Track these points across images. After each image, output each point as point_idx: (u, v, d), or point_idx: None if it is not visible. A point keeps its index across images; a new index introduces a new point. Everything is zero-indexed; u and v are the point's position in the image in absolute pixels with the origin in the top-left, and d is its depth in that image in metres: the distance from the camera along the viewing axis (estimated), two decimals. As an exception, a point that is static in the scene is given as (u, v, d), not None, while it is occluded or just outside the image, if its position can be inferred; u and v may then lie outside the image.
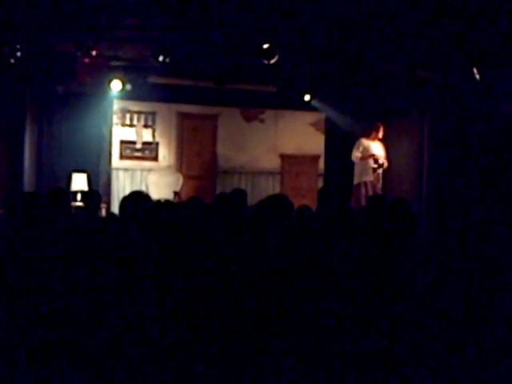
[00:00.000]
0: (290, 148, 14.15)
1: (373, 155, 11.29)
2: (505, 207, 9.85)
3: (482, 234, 5.21)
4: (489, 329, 3.52)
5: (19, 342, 3.30)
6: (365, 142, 11.47)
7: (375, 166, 11.31)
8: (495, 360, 3.38)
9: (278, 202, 4.09)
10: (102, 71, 11.04)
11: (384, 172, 11.94)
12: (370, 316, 3.51)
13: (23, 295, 3.57)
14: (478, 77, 9.46)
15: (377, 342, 3.35)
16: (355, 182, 11.46)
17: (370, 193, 11.14)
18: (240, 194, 6.26)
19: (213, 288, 3.50)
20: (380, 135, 11.51)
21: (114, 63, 11.05)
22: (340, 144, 12.42)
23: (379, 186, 11.39)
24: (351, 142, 12.26)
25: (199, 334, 3.24)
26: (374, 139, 11.47)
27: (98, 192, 7.47)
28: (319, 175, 14.15)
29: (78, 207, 10.25)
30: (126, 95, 12.16)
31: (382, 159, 11.39)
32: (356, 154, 11.37)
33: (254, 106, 13.75)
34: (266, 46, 9.05)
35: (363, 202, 10.81)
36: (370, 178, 11.33)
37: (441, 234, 5.08)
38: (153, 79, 12.04)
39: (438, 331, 3.49)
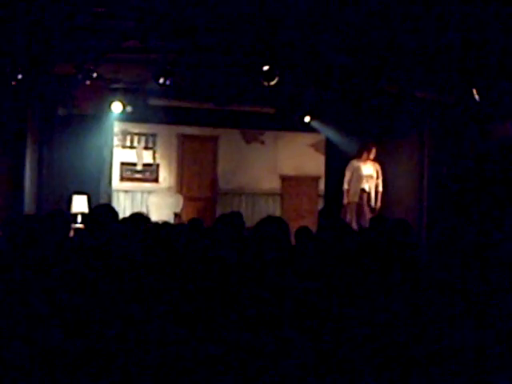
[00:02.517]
0: (290, 169, 14.18)
1: (362, 189, 11.42)
2: (505, 227, 9.84)
3: (483, 255, 5.21)
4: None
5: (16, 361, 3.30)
6: (355, 163, 11.60)
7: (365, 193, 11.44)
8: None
9: (271, 224, 4.08)
10: (102, 93, 11.09)
11: (384, 192, 12.02)
12: (370, 336, 3.50)
13: (22, 317, 3.56)
14: (477, 98, 9.49)
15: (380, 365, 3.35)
16: (344, 202, 11.60)
17: (355, 215, 11.25)
18: (237, 216, 6.26)
19: (211, 308, 3.50)
20: (371, 156, 11.56)
21: (114, 85, 11.11)
22: (340, 165, 12.41)
23: (369, 207, 11.44)
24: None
25: (196, 356, 3.24)
26: (365, 160, 11.54)
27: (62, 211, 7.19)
28: (319, 196, 14.16)
29: (78, 229, 10.24)
30: (126, 117, 12.19)
31: (369, 186, 11.47)
32: (344, 186, 11.53)
33: (254, 127, 13.79)
34: (265, 67, 9.09)
35: (349, 222, 10.96)
36: (356, 199, 11.44)
37: (441, 255, 5.08)
38: (153, 101, 12.08)
39: (444, 349, 3.48)
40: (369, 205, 11.41)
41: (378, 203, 11.52)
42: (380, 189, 11.52)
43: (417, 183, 12.32)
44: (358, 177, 11.49)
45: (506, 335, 3.69)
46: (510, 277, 4.57)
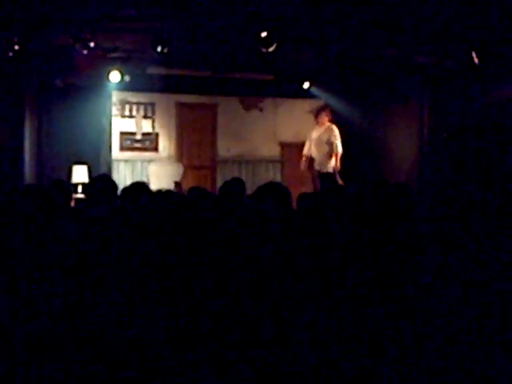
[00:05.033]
0: (289, 136, 14.14)
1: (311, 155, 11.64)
2: (503, 193, 9.86)
3: (482, 222, 5.22)
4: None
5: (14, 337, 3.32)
6: (312, 130, 11.78)
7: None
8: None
9: (272, 190, 4.08)
10: (100, 63, 11.03)
11: (384, 157, 12.11)
12: (374, 299, 3.51)
13: (25, 290, 3.58)
14: (476, 61, 9.45)
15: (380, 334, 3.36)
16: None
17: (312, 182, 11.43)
18: (238, 183, 6.25)
19: (215, 281, 3.51)
20: (321, 120, 11.64)
21: (112, 55, 11.04)
22: (340, 130, 12.41)
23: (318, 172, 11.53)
24: (351, 128, 12.32)
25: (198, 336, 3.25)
26: (320, 125, 11.62)
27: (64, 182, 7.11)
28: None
29: (79, 199, 10.26)
30: (124, 86, 12.16)
31: (317, 150, 11.52)
32: (304, 152, 11.81)
33: (252, 94, 13.74)
34: (263, 34, 9.04)
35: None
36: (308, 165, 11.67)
37: (440, 219, 5.09)
38: (151, 70, 12.04)
39: (443, 325, 3.49)
40: (317, 170, 11.50)
41: (338, 164, 11.43)
42: (338, 151, 11.42)
43: (417, 147, 12.34)
44: (310, 143, 11.63)
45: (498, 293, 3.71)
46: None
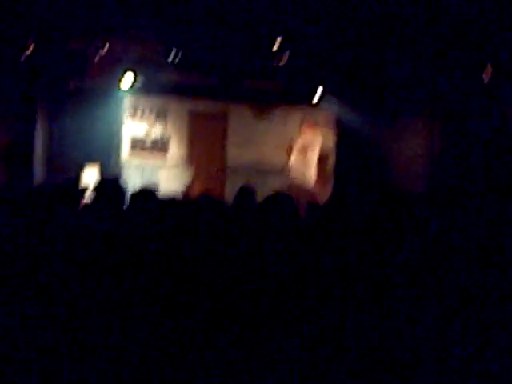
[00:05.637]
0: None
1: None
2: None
3: (485, 227, 5.21)
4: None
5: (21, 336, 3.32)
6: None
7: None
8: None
9: (277, 200, 4.08)
10: (113, 67, 11.06)
11: (392, 168, 12.11)
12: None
13: (28, 292, 3.58)
14: (486, 80, 9.48)
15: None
16: None
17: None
18: (249, 192, 6.24)
19: (221, 290, 3.51)
20: (305, 129, 12.05)
21: (125, 60, 11.08)
22: (350, 142, 12.38)
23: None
24: (361, 139, 12.29)
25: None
26: (303, 134, 11.99)
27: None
28: (329, 173, 14.08)
29: (87, 204, 10.24)
30: (137, 91, 12.17)
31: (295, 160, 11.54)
32: None
33: (264, 102, 13.72)
34: (275, 46, 9.07)
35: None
36: None
37: (446, 229, 5.07)
38: (164, 76, 12.05)
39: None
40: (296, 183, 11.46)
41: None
42: (313, 160, 11.44)
43: (426, 160, 12.32)
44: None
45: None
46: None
